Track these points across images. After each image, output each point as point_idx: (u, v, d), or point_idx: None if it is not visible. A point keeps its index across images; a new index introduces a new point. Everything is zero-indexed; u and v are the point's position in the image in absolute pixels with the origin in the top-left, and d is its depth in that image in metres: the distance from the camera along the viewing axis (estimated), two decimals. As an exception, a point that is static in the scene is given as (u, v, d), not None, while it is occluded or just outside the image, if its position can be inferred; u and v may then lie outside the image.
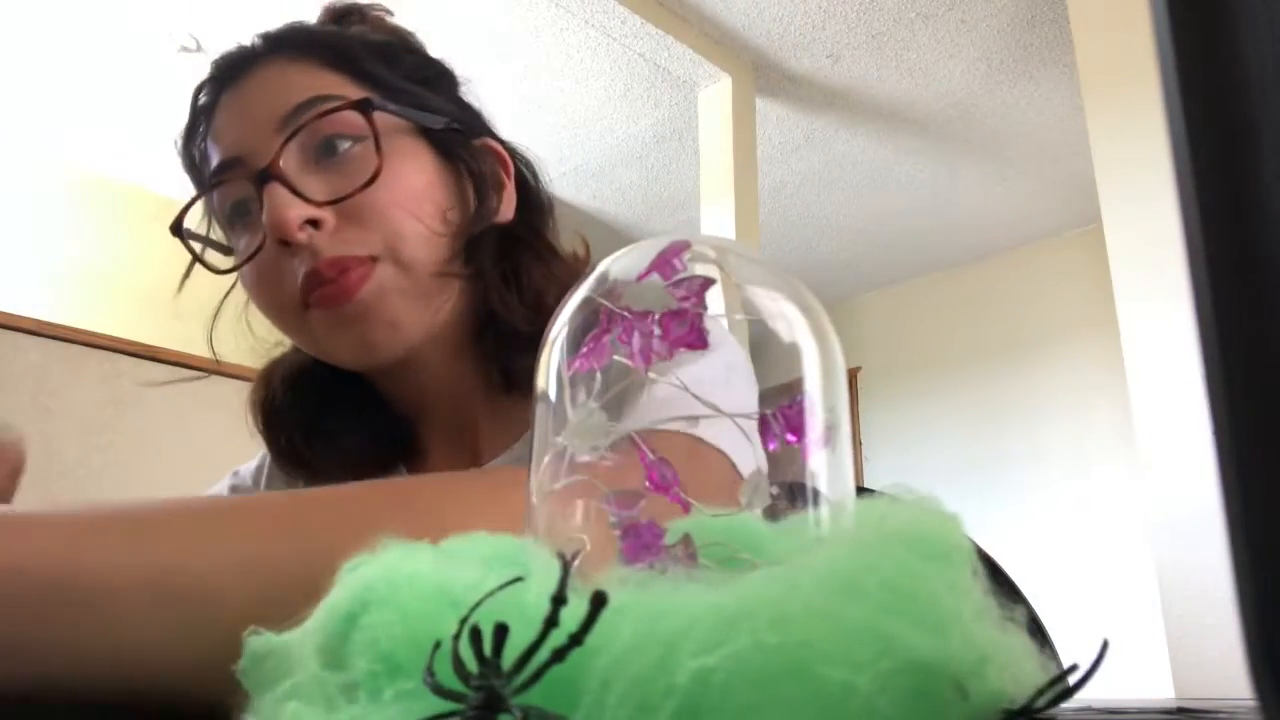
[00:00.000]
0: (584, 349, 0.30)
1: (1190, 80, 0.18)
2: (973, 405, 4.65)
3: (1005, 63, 3.36)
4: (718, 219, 3.17)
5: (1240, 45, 0.17)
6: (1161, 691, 2.89)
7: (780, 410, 0.29)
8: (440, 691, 0.19)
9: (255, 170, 0.61)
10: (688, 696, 0.19)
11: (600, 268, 0.34)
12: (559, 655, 0.19)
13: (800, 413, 0.29)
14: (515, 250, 0.68)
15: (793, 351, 0.30)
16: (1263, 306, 0.17)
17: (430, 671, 0.20)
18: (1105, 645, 0.21)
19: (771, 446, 0.30)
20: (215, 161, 0.64)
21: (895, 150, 3.90)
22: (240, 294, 0.69)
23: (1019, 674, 0.20)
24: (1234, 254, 0.17)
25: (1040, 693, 0.20)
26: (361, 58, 0.65)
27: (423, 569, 0.24)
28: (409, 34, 0.73)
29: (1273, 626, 0.16)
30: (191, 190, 0.69)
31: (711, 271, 0.31)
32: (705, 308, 0.30)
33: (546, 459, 0.30)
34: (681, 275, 0.30)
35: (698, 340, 0.29)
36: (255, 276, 0.63)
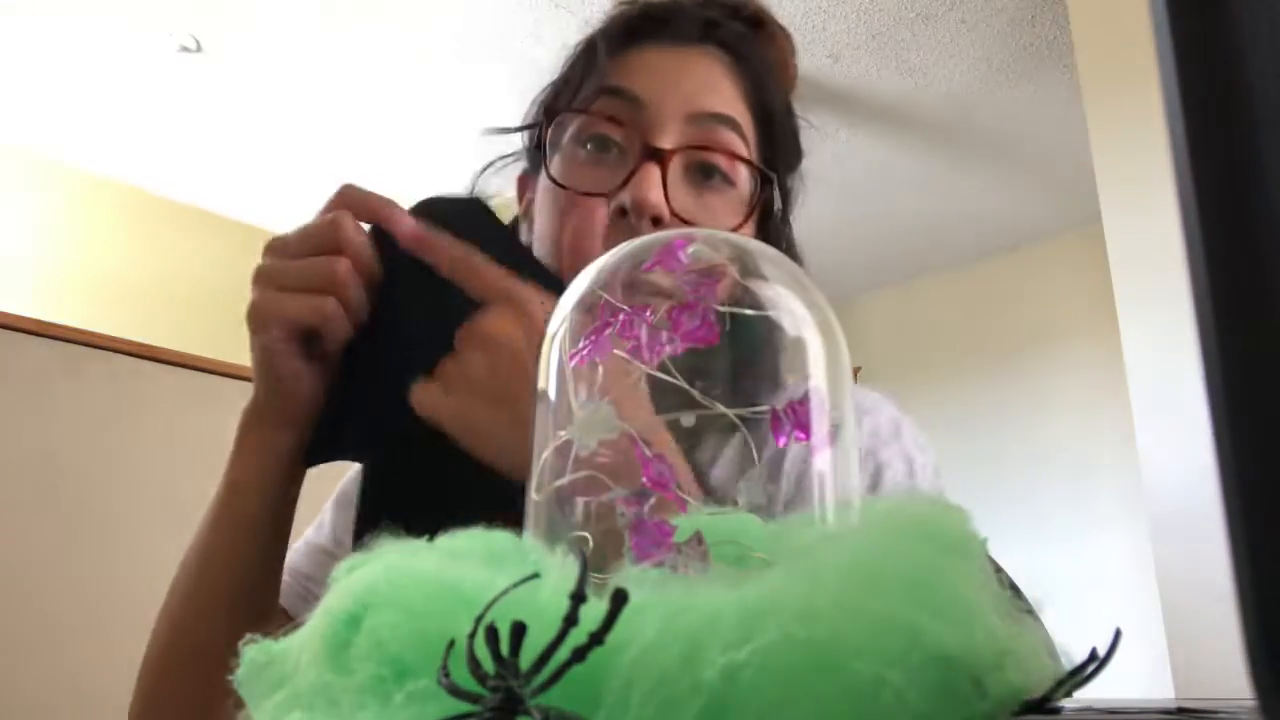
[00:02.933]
0: (585, 343, 0.30)
1: (1190, 80, 0.18)
2: (972, 405, 4.64)
3: (1005, 63, 3.36)
4: (718, 219, 3.17)
5: (1240, 45, 0.17)
6: (1161, 691, 2.88)
7: (791, 406, 0.29)
8: (456, 692, 0.19)
9: (647, 127, 0.66)
10: (715, 693, 0.18)
11: (601, 261, 0.34)
12: (579, 654, 0.18)
13: (809, 409, 0.29)
14: None
15: (798, 347, 0.30)
16: (1263, 307, 0.17)
17: (445, 672, 0.19)
18: (1118, 634, 0.21)
19: (781, 443, 0.30)
20: (617, 84, 0.68)
21: (895, 150, 3.90)
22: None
23: (1036, 666, 0.20)
24: (1234, 254, 0.17)
25: (1059, 684, 0.20)
26: (772, 112, 0.73)
27: (427, 568, 0.23)
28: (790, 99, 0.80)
29: (1273, 626, 0.16)
30: None
31: (715, 264, 0.31)
32: (716, 301, 0.30)
33: (547, 453, 0.30)
34: (689, 268, 0.30)
35: (709, 334, 0.29)
36: (577, 209, 0.66)
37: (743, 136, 0.69)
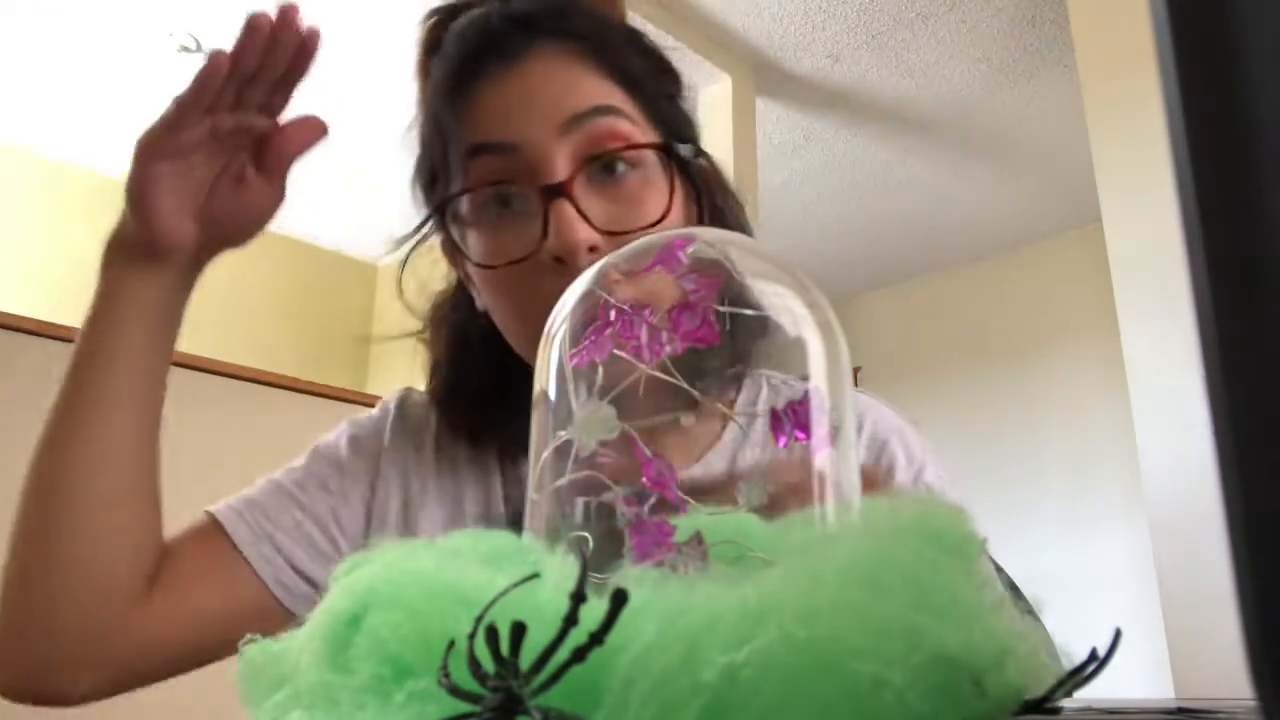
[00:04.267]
0: (585, 342, 0.30)
1: (1190, 80, 0.18)
2: (972, 405, 4.64)
3: (1005, 63, 3.36)
4: (718, 219, 3.17)
5: (1240, 46, 0.17)
6: (1161, 691, 2.88)
7: (790, 406, 0.29)
8: (456, 692, 0.19)
9: (533, 167, 0.62)
10: (716, 693, 0.18)
11: (602, 261, 0.34)
12: (579, 654, 0.18)
13: (809, 409, 0.29)
14: None
15: (799, 347, 0.30)
16: (1263, 307, 0.17)
17: (445, 672, 0.19)
18: (1118, 634, 0.21)
19: (781, 443, 0.29)
20: (481, 140, 0.64)
21: (895, 150, 3.90)
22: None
23: (1036, 666, 0.20)
24: (1234, 254, 0.17)
25: (1060, 684, 0.20)
26: (629, 66, 0.67)
27: (427, 568, 0.23)
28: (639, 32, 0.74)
29: (1273, 626, 0.16)
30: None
31: (715, 265, 0.31)
32: (716, 301, 0.30)
33: (547, 454, 0.30)
34: (689, 268, 0.30)
35: (709, 334, 0.29)
36: (516, 279, 0.64)
37: (620, 113, 0.65)
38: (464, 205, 0.66)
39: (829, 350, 0.30)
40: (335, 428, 0.77)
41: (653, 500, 0.29)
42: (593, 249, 0.61)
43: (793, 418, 0.29)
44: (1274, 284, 0.17)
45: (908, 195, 4.24)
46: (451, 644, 0.20)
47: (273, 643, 0.25)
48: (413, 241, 0.73)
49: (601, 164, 0.64)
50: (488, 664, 0.19)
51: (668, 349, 0.29)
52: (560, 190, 0.61)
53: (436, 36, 0.72)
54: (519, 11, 0.68)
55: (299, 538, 0.69)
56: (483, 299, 0.70)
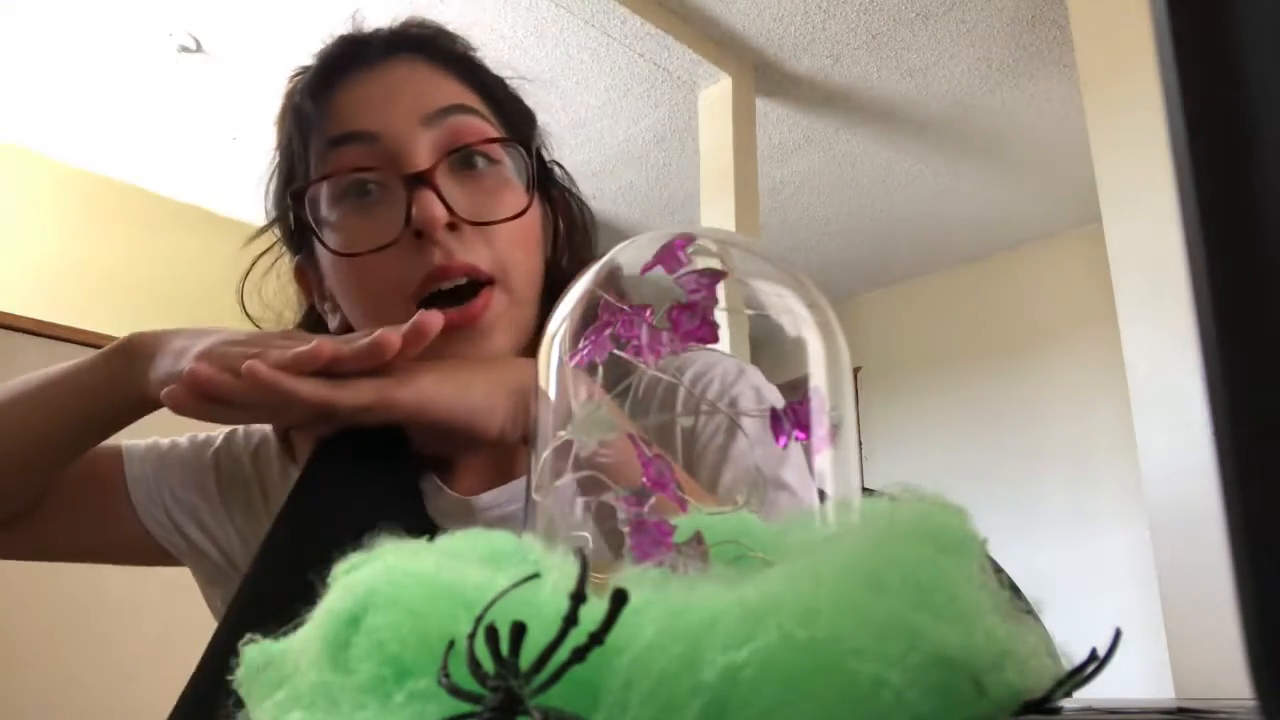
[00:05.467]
0: (585, 342, 0.30)
1: (1190, 80, 0.18)
2: (973, 405, 4.64)
3: (1005, 63, 3.36)
4: (718, 219, 3.17)
5: (1240, 45, 0.17)
6: (1161, 691, 2.88)
7: (790, 406, 0.29)
8: (456, 692, 0.19)
9: (394, 156, 0.64)
10: (715, 694, 0.18)
11: (603, 261, 0.34)
12: (579, 654, 0.18)
13: (809, 409, 0.29)
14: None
15: (798, 347, 0.30)
16: (1262, 306, 0.17)
17: (445, 672, 0.19)
18: (1118, 634, 0.21)
19: (781, 443, 0.30)
20: (343, 130, 0.66)
21: (895, 150, 3.90)
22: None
23: (1036, 666, 0.20)
24: (1234, 254, 0.17)
25: (1060, 684, 0.20)
26: (488, 82, 0.72)
27: (427, 569, 0.23)
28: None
29: (1273, 626, 0.16)
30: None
31: (715, 264, 0.31)
32: (716, 301, 0.30)
33: (548, 453, 0.30)
34: (689, 268, 0.30)
35: (709, 334, 0.29)
36: (375, 264, 0.65)
37: (480, 114, 0.69)
38: (322, 199, 0.67)
39: (829, 350, 0.30)
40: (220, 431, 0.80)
41: (653, 500, 0.29)
42: (452, 226, 0.64)
43: (792, 417, 0.29)
44: (1274, 284, 0.17)
45: (908, 195, 4.24)
46: (451, 644, 0.20)
47: (273, 643, 0.25)
48: (260, 251, 0.75)
49: (461, 158, 0.66)
50: (488, 664, 0.19)
51: (668, 349, 0.29)
52: (423, 178, 0.63)
53: None
54: (385, 31, 0.71)
55: (189, 513, 0.74)
56: (335, 320, 0.72)
